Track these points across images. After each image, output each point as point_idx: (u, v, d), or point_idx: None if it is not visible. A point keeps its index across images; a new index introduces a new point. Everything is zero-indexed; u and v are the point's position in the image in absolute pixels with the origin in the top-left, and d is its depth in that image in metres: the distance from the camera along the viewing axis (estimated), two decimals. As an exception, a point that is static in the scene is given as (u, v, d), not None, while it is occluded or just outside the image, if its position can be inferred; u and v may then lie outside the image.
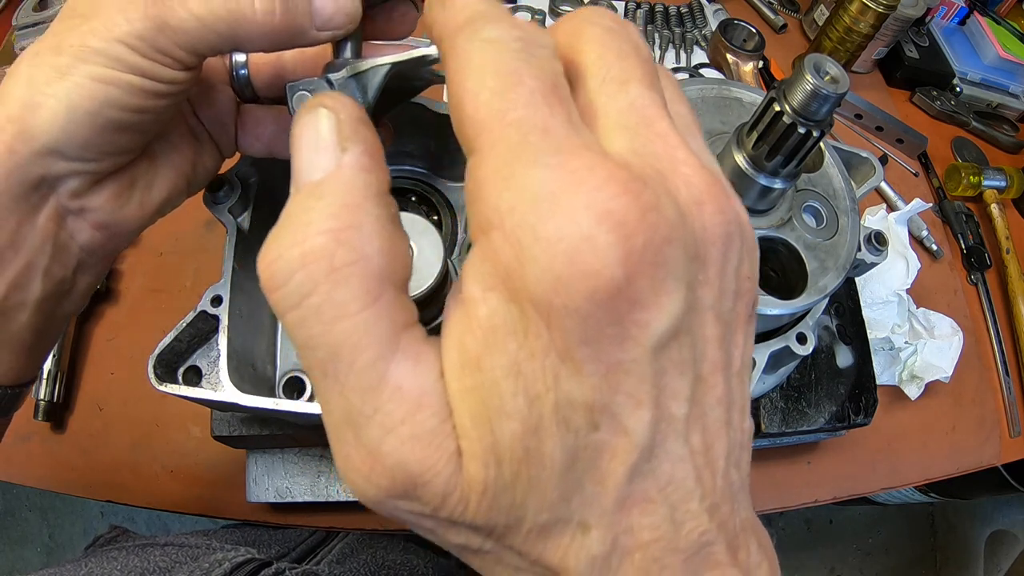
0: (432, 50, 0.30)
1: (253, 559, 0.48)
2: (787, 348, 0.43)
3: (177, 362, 0.41)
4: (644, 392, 0.17)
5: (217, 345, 0.39)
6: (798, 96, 0.35)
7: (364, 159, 0.18)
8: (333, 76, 0.30)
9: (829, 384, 0.58)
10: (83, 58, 0.26)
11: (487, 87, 0.17)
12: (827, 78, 0.34)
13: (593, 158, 0.16)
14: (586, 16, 0.20)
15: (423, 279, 0.32)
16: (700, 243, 0.18)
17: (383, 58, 0.31)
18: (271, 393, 0.47)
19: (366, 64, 0.31)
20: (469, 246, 0.24)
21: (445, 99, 0.50)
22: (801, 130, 0.36)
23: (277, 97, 0.36)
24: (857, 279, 0.63)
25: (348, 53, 0.32)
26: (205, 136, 0.36)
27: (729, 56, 0.86)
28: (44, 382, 0.61)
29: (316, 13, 0.28)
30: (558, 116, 0.17)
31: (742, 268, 0.20)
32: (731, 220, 0.19)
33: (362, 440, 0.17)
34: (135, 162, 0.31)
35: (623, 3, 0.95)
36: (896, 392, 0.70)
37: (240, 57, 0.35)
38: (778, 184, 0.40)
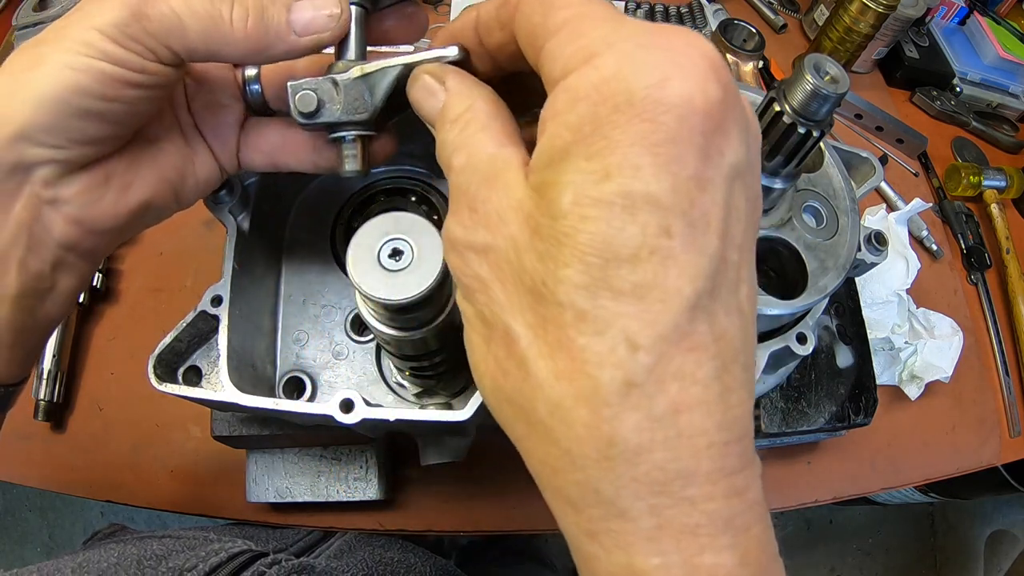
0: (451, 51, 0.28)
1: (249, 549, 0.48)
2: (787, 348, 0.43)
3: (177, 362, 0.42)
4: (715, 216, 0.19)
5: (217, 345, 0.39)
6: (798, 96, 0.35)
7: (456, 83, 0.27)
8: (340, 77, 0.29)
9: (829, 384, 0.58)
10: (59, 47, 0.27)
11: None
12: (827, 78, 0.34)
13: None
14: None
15: (424, 279, 0.31)
16: (751, 126, 0.21)
17: (394, 59, 0.29)
18: (271, 393, 0.47)
19: (375, 66, 0.30)
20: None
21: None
22: (801, 130, 0.36)
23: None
24: (857, 279, 0.63)
25: (351, 55, 0.31)
26: (202, 146, 0.35)
27: (729, 56, 0.86)
28: (44, 382, 0.61)
29: (294, 19, 0.28)
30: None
31: (759, 191, 0.22)
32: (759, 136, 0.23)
33: (465, 188, 0.24)
34: (111, 157, 0.31)
35: (623, 3, 0.96)
36: (896, 392, 0.70)
37: (251, 71, 0.35)
38: (778, 184, 0.40)
